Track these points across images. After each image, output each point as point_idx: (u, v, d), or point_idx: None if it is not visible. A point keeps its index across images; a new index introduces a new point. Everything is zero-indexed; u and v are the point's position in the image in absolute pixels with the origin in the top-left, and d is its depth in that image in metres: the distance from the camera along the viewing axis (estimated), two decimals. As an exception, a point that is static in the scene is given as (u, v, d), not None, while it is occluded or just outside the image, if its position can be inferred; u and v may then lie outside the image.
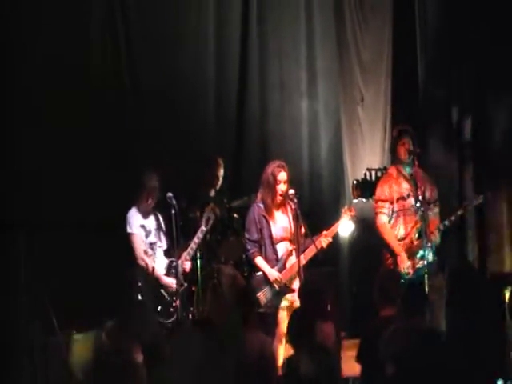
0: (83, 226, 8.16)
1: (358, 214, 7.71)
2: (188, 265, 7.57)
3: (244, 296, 6.10)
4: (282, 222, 7.37)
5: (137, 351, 4.28)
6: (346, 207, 7.70)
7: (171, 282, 7.51)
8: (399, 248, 7.59)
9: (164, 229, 7.72)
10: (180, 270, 7.48)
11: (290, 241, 7.33)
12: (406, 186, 7.68)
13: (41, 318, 7.06)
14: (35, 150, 8.10)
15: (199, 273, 7.52)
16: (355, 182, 8.89)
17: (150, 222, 7.64)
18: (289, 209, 7.33)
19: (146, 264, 7.47)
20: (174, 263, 7.41)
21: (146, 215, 7.63)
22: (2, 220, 7.18)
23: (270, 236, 7.34)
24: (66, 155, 8.28)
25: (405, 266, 7.51)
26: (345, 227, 7.55)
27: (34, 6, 8.27)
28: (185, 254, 7.54)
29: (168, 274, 7.60)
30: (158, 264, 7.63)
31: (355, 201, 8.80)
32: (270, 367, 5.62)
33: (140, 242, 7.52)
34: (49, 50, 8.26)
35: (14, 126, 7.94)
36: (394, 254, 7.59)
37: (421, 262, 7.50)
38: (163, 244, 7.72)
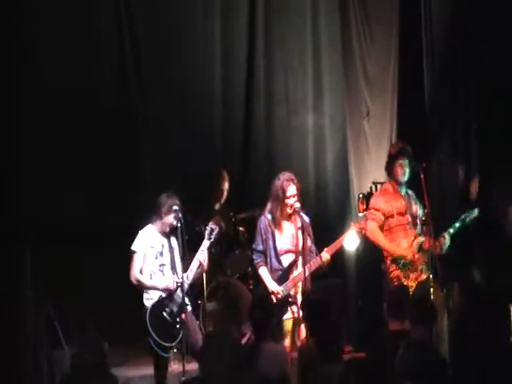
0: (88, 239, 8.18)
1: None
2: (201, 258, 7.19)
3: (256, 308, 6.09)
4: (288, 234, 7.36)
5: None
6: (356, 221, 7.66)
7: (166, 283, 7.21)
8: (392, 247, 7.57)
9: (179, 250, 7.26)
10: (186, 286, 7.22)
11: (296, 253, 7.32)
12: (402, 203, 7.69)
13: (47, 331, 7.06)
14: (41, 163, 8.16)
15: (205, 286, 7.48)
16: (361, 195, 8.89)
17: (164, 243, 7.24)
18: (296, 221, 7.32)
19: (139, 282, 7.14)
20: (179, 283, 7.17)
21: (164, 235, 7.24)
22: (8, 233, 7.18)
23: (275, 247, 7.32)
24: (72, 169, 8.33)
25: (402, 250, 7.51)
26: (351, 241, 7.53)
27: (42, 24, 8.33)
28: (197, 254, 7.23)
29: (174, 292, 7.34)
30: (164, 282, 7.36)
31: (361, 214, 8.79)
32: (287, 377, 5.64)
33: (139, 262, 7.22)
34: (56, 71, 8.40)
35: (22, 141, 7.97)
36: (398, 267, 7.57)
37: (423, 276, 7.51)
38: (177, 265, 7.25)
